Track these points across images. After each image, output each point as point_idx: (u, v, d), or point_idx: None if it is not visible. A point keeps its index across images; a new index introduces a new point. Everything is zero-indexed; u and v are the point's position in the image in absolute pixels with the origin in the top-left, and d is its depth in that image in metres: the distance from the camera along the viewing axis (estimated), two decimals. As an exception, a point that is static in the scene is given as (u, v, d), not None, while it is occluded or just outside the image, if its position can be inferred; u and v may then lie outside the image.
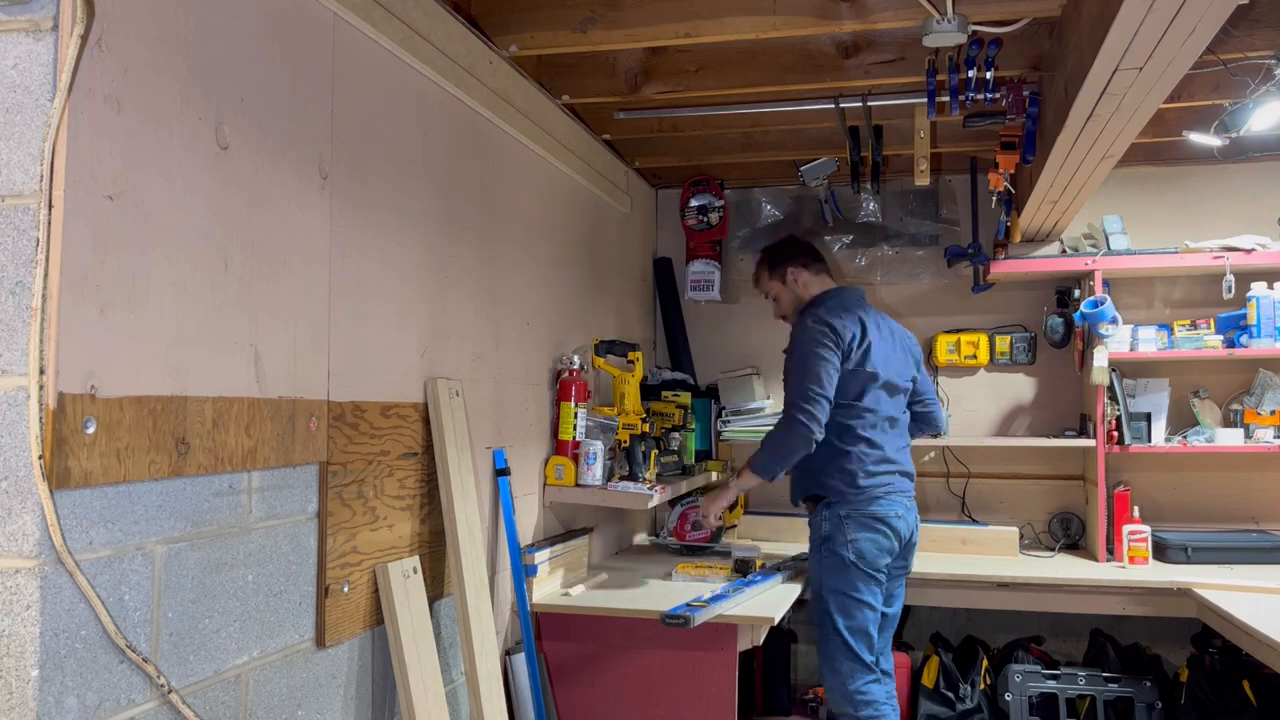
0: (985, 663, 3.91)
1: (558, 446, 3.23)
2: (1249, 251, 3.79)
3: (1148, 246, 4.00)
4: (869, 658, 2.94)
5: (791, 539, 4.23)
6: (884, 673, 3.03)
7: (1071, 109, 2.50)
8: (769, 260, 3.30)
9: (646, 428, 3.44)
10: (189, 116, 1.63)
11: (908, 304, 4.41)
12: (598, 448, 3.19)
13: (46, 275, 1.37)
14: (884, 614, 3.07)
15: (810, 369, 2.96)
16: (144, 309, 1.53)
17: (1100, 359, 3.78)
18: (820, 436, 2.94)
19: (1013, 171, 3.41)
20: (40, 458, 1.35)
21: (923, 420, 3.29)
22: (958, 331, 4.30)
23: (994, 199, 3.75)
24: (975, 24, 2.60)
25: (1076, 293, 4.07)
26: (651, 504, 3.26)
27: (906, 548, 3.09)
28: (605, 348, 3.56)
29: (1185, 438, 3.91)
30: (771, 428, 3.07)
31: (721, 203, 4.37)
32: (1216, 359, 3.91)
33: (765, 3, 2.70)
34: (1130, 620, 3.95)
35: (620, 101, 3.42)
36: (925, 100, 3.09)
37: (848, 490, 2.99)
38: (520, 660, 2.81)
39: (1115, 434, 3.86)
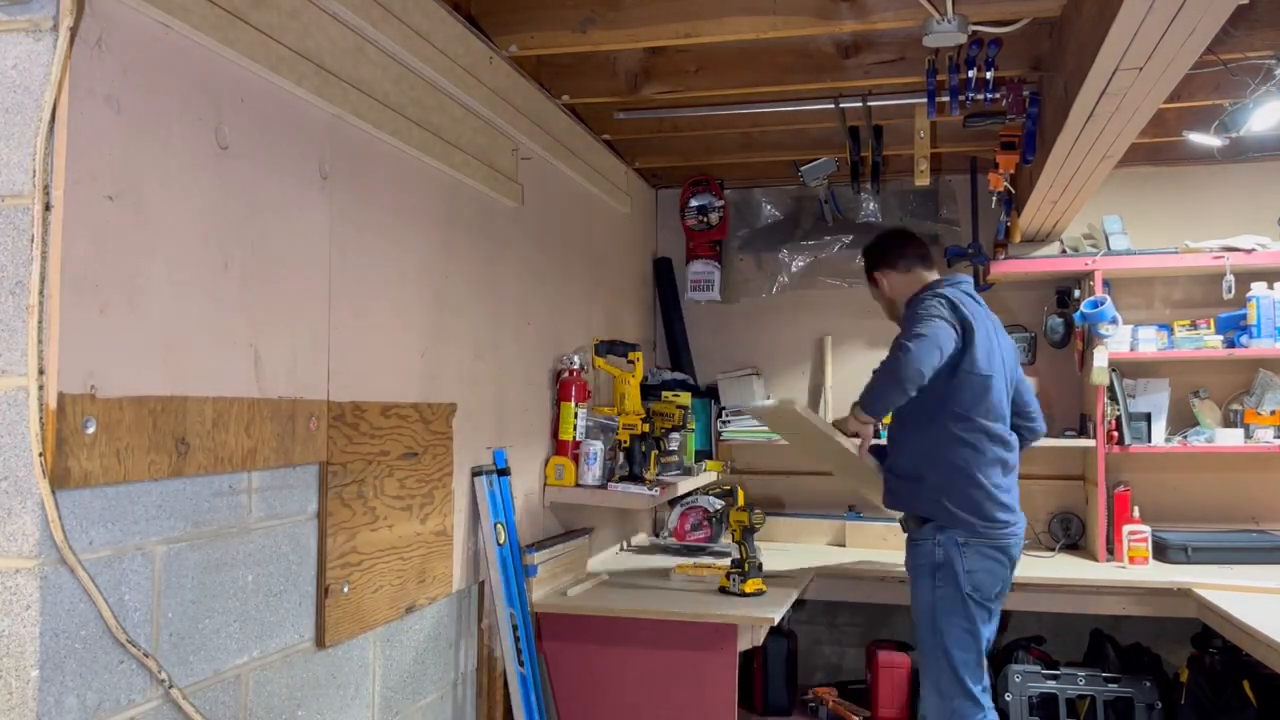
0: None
1: (558, 446, 3.23)
2: (1249, 251, 3.79)
3: (1148, 246, 4.00)
4: (978, 688, 2.81)
5: (790, 538, 4.24)
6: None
7: (1071, 109, 2.50)
8: (867, 263, 3.16)
9: (646, 428, 3.43)
10: (189, 116, 1.63)
11: (908, 304, 4.40)
12: (598, 448, 3.19)
13: (46, 275, 1.37)
14: None
15: (920, 320, 2.74)
16: (144, 309, 1.53)
17: (1100, 359, 3.78)
18: (925, 378, 2.67)
19: (1013, 171, 3.41)
20: (40, 457, 1.35)
21: (1027, 438, 3.05)
22: (958, 331, 4.29)
23: (994, 199, 3.75)
24: (975, 24, 2.60)
25: (1076, 293, 4.07)
26: (652, 504, 3.26)
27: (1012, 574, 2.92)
28: (605, 348, 3.56)
29: (1185, 438, 3.91)
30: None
31: (721, 203, 4.37)
32: (1216, 359, 3.90)
33: (765, 3, 2.70)
34: (1130, 620, 3.95)
35: (620, 101, 3.42)
36: (925, 100, 3.09)
37: (976, 522, 2.78)
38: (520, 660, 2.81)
39: (1115, 434, 3.86)
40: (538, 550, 2.96)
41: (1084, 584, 3.63)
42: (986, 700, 2.86)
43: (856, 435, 2.99)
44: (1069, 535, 4.15)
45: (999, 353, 2.88)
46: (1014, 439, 2.92)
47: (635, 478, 3.29)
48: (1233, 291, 3.81)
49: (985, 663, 2.82)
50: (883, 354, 4.32)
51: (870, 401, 2.84)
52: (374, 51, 2.16)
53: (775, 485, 4.45)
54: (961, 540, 2.78)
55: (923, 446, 2.87)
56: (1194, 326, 3.94)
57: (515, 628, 2.70)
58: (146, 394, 1.53)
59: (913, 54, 3.03)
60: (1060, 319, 4.15)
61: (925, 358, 2.66)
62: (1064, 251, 4.09)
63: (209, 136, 1.68)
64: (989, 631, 2.85)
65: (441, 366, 2.50)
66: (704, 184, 4.38)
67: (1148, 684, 3.62)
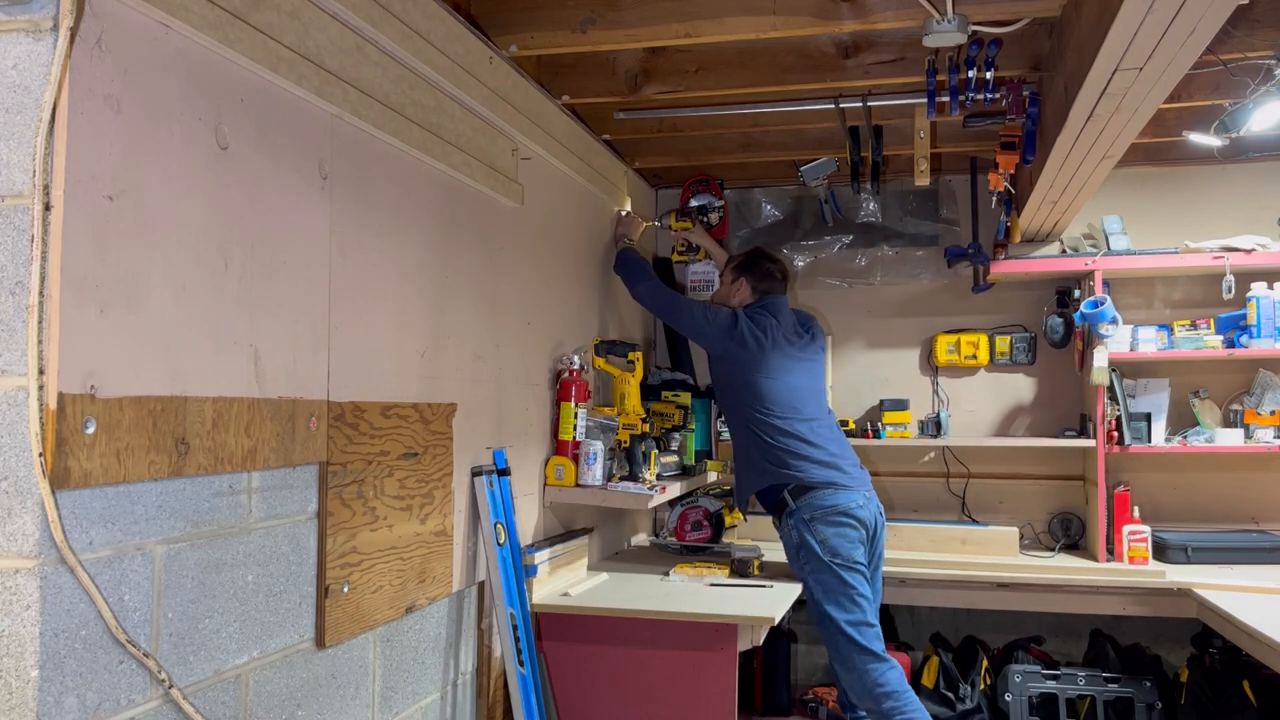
0: (985, 663, 3.91)
1: (558, 446, 3.23)
2: (1249, 251, 3.79)
3: (1148, 246, 4.00)
4: (878, 646, 2.99)
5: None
6: None
7: (1071, 109, 2.50)
8: (739, 263, 3.58)
9: (646, 428, 3.44)
10: (189, 116, 1.63)
11: (908, 304, 4.41)
12: (598, 448, 3.19)
13: (46, 275, 1.37)
14: None
15: (720, 313, 3.37)
16: (144, 309, 1.53)
17: (1100, 359, 3.78)
18: (644, 306, 3.63)
19: (1013, 171, 3.41)
20: (40, 457, 1.35)
21: None
22: (958, 332, 4.30)
23: (994, 199, 3.75)
24: (975, 24, 2.60)
25: (1076, 293, 4.07)
26: (651, 504, 3.26)
27: (874, 538, 3.17)
28: (605, 348, 3.56)
29: (1185, 438, 3.91)
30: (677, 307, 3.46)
31: (721, 203, 4.37)
32: (1216, 359, 3.91)
33: (765, 3, 2.70)
34: (1130, 620, 3.95)
35: (620, 101, 3.42)
36: (925, 100, 3.09)
37: (803, 478, 3.14)
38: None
39: (1115, 434, 3.86)
40: (538, 550, 2.97)
41: (1084, 584, 3.63)
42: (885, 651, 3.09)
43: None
44: (1069, 535, 4.15)
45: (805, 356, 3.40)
46: (817, 425, 3.27)
47: (635, 478, 3.29)
48: (1233, 291, 3.81)
49: (877, 623, 3.05)
50: (882, 354, 4.43)
51: (628, 278, 3.62)
52: (374, 51, 2.16)
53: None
54: (807, 518, 3.11)
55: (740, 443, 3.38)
56: (1194, 326, 3.94)
57: (515, 628, 2.71)
58: (146, 394, 1.53)
59: (913, 54, 3.03)
60: (1060, 319, 4.15)
61: (674, 316, 3.51)
62: (1064, 251, 4.09)
63: (209, 136, 1.68)
64: (870, 591, 3.10)
65: (441, 366, 2.50)
66: (704, 184, 4.38)
67: (1148, 684, 3.62)
